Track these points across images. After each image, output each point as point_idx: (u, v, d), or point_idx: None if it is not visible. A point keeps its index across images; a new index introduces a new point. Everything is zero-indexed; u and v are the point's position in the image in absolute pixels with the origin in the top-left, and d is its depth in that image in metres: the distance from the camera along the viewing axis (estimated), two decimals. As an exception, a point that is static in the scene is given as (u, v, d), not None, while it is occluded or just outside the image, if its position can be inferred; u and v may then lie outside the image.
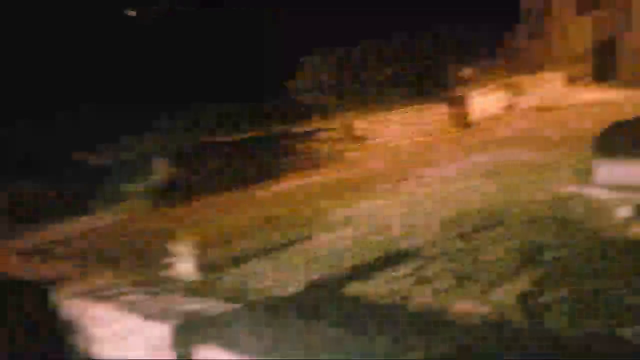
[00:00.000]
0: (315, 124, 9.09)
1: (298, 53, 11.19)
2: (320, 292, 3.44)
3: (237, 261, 4.30)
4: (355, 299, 3.26)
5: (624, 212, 4.16)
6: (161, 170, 7.34)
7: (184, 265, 4.06)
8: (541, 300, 2.93)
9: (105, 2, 12.53)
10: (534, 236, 3.99)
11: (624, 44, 10.17)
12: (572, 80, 10.42)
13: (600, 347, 2.42)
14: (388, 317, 2.95)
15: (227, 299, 3.36)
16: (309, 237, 4.69)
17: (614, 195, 4.37)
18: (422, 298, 3.17)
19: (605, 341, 2.43)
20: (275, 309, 3.23)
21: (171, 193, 7.07)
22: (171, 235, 4.49)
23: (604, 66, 10.75)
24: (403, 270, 3.63)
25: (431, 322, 2.85)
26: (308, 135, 8.60)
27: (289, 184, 7.40)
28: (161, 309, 3.19)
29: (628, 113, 5.37)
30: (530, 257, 3.58)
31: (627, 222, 4.03)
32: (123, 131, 8.46)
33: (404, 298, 3.20)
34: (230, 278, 3.94)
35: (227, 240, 4.92)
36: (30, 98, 9.74)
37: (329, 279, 3.67)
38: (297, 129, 8.82)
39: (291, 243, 4.59)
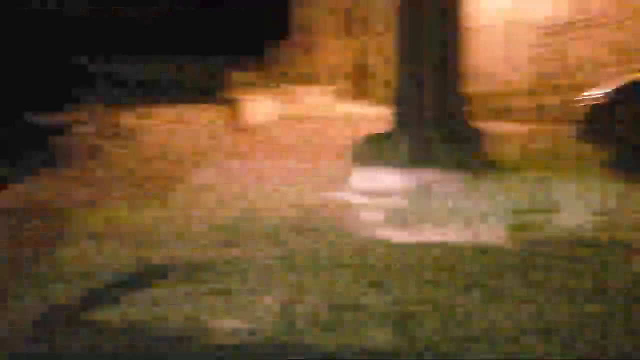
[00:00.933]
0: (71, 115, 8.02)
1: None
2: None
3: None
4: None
5: (376, 215, 4.57)
6: None
7: None
8: (300, 311, 2.91)
9: None
10: (294, 243, 4.06)
11: (375, 68, 11.60)
12: (337, 95, 11.42)
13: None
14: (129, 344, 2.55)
15: None
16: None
17: (365, 199, 4.77)
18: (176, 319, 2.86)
19: (356, 352, 2.49)
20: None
21: None
22: None
23: (362, 85, 12.08)
24: (154, 290, 3.24)
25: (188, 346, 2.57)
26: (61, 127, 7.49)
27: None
28: None
29: (379, 127, 6.01)
30: (290, 264, 3.60)
31: (377, 225, 4.43)
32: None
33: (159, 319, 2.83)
34: None
35: None
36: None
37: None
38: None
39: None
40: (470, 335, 2.59)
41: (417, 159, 4.77)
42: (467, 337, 2.58)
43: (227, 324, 2.74)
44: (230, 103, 9.97)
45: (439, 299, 3.00)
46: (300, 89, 11.22)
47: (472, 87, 9.68)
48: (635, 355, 2.36)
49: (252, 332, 2.65)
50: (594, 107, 6.11)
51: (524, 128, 8.49)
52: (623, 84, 6.06)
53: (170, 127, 9.04)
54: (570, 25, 9.07)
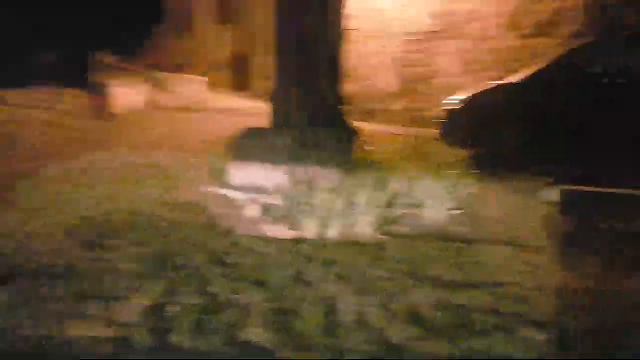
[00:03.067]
0: None
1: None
2: None
3: None
4: None
5: (253, 211, 4.51)
6: None
7: None
8: (169, 312, 2.77)
9: None
10: (172, 241, 3.88)
11: (256, 60, 11.45)
12: (213, 86, 11.06)
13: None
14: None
15: None
16: None
17: (243, 195, 4.70)
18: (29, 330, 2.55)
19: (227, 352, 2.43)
20: None
21: None
22: None
23: (241, 77, 11.84)
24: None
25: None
26: None
27: None
28: None
29: (258, 121, 5.95)
30: (162, 264, 3.41)
31: (254, 220, 4.38)
32: None
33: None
34: None
35: None
36: None
37: None
38: None
39: None
40: (346, 326, 2.67)
41: (294, 155, 4.80)
42: (342, 327, 2.66)
43: (84, 331, 2.52)
44: (96, 89, 9.18)
45: (313, 293, 3.05)
46: (174, 78, 10.70)
47: (347, 88, 10.07)
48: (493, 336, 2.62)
49: (110, 340, 2.47)
50: (451, 112, 6.68)
51: (394, 129, 9.03)
52: (475, 92, 6.71)
53: (26, 114, 8.09)
54: (434, 35, 9.82)
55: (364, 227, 4.19)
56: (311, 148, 4.91)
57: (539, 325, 2.73)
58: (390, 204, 4.40)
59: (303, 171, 4.74)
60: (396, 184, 4.75)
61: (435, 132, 7.29)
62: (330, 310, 2.87)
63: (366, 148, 7.06)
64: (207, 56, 12.16)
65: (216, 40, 12.21)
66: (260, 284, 3.16)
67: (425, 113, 9.53)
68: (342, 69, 7.33)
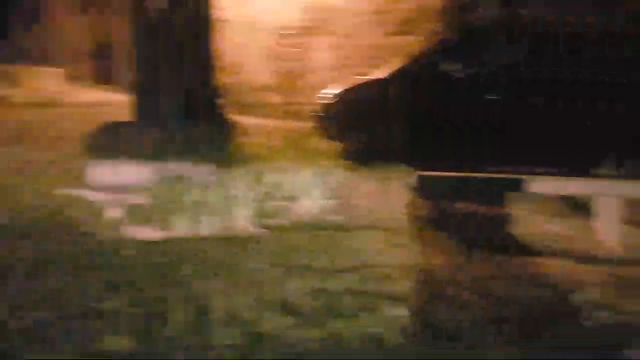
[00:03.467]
0: None
1: None
2: None
3: None
4: None
5: (115, 212, 4.16)
6: None
7: None
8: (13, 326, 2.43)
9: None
10: (21, 248, 3.43)
11: (119, 51, 10.68)
12: (73, 79, 10.11)
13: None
14: None
15: None
16: None
17: (104, 196, 4.31)
18: None
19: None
20: None
21: None
22: None
23: (104, 68, 10.98)
24: None
25: None
26: None
27: None
28: None
29: (120, 115, 5.52)
30: (9, 273, 3.00)
31: (117, 222, 4.04)
32: None
33: None
34: None
35: None
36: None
37: None
38: None
39: None
40: (215, 323, 2.56)
41: (162, 150, 4.51)
42: (211, 325, 2.53)
43: None
44: None
45: (181, 293, 2.88)
46: (26, 71, 9.58)
47: (223, 80, 9.82)
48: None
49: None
50: (325, 106, 6.81)
51: (272, 123, 8.97)
52: (346, 87, 6.91)
53: None
54: (306, 30, 9.95)
55: (240, 222, 4.07)
56: (181, 142, 4.66)
57: (401, 301, 2.86)
58: (266, 197, 4.32)
59: (173, 167, 4.48)
60: (273, 177, 4.70)
61: (311, 125, 7.38)
62: (200, 308, 2.72)
63: (243, 141, 6.92)
64: (65, 47, 11.10)
65: (76, 30, 11.18)
66: (120, 288, 2.91)
67: (302, 107, 9.62)
68: (214, 60, 7.10)
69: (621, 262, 3.71)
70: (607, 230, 4.01)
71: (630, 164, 5.59)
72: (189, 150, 4.60)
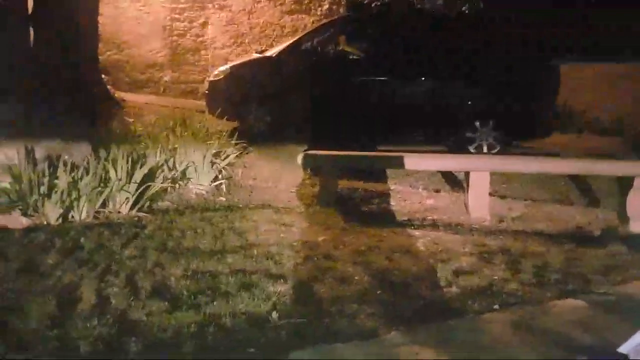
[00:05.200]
0: None
1: None
2: None
3: None
4: None
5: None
6: None
7: None
8: None
9: None
10: None
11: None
12: None
13: None
14: None
15: None
16: None
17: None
18: None
19: None
20: None
21: None
22: None
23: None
24: None
25: None
26: None
27: None
28: None
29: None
30: None
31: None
32: None
33: None
34: None
35: None
36: None
37: None
38: None
39: None
40: (79, 314, 2.40)
41: (29, 129, 4.11)
42: (74, 316, 2.38)
43: None
44: None
45: (44, 284, 2.69)
46: None
47: (109, 56, 9.17)
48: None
49: None
50: (213, 84, 6.63)
51: (163, 100, 8.57)
52: (233, 65, 6.77)
53: None
54: (197, 4, 9.55)
55: (118, 206, 3.84)
56: (51, 119, 4.27)
57: (280, 278, 2.87)
58: (149, 179, 4.10)
59: (42, 147, 4.09)
60: (157, 158, 4.46)
61: (202, 103, 7.14)
62: (63, 300, 2.54)
63: (127, 120, 6.53)
64: None
65: None
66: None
67: (195, 85, 9.29)
68: (96, 32, 6.60)
69: (488, 232, 4.01)
70: (476, 202, 4.30)
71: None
72: (61, 129, 4.23)
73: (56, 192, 3.60)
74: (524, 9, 7.92)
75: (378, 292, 2.82)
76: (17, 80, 4.22)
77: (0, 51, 4.15)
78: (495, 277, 3.08)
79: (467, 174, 4.48)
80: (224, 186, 4.64)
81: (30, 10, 4.80)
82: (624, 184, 4.47)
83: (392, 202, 4.73)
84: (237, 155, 5.17)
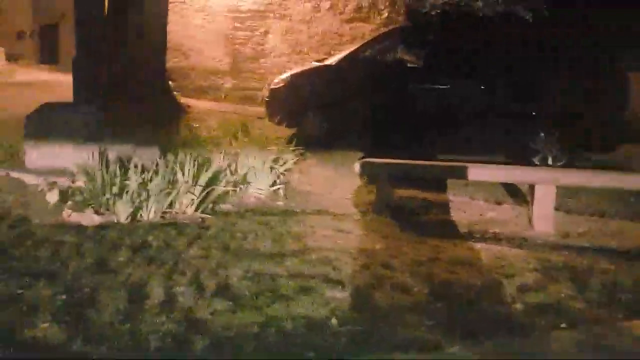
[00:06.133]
0: None
1: None
2: None
3: None
4: None
5: (52, 197, 4.00)
6: None
7: None
8: None
9: None
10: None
11: (66, 28, 10.22)
12: (13, 58, 9.62)
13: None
14: None
15: None
16: None
17: (43, 179, 4.14)
18: None
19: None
20: None
21: None
22: None
23: (49, 48, 10.50)
24: None
25: None
26: None
27: None
28: None
29: (62, 96, 5.28)
30: None
31: (56, 207, 3.88)
32: None
33: None
34: None
35: None
36: None
37: None
38: None
39: None
40: (150, 310, 2.50)
41: (104, 133, 4.36)
42: (145, 312, 2.49)
43: None
44: None
45: (115, 280, 2.83)
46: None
47: (175, 63, 9.56)
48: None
49: None
50: (273, 92, 6.75)
51: (225, 107, 8.83)
52: (293, 73, 6.87)
53: None
54: (259, 14, 9.79)
55: (184, 207, 3.99)
56: (125, 124, 4.51)
57: (339, 284, 2.89)
58: (213, 182, 4.24)
59: (114, 150, 4.33)
60: (220, 162, 4.62)
61: (263, 110, 7.30)
62: (134, 295, 2.67)
63: (192, 125, 6.79)
64: (8, 26, 10.53)
65: (17, 8, 10.61)
66: (53, 275, 2.81)
67: (255, 92, 9.51)
68: (164, 42, 6.88)
69: (554, 247, 3.86)
70: (541, 216, 4.16)
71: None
72: (133, 133, 4.46)
73: (127, 192, 3.79)
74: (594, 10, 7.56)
75: (439, 304, 2.78)
76: (94, 90, 4.50)
77: (83, 66, 4.44)
78: (562, 295, 2.97)
79: (531, 186, 4.34)
80: (281, 191, 4.72)
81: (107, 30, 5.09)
82: None
83: (452, 213, 4.66)
84: (294, 162, 5.26)
